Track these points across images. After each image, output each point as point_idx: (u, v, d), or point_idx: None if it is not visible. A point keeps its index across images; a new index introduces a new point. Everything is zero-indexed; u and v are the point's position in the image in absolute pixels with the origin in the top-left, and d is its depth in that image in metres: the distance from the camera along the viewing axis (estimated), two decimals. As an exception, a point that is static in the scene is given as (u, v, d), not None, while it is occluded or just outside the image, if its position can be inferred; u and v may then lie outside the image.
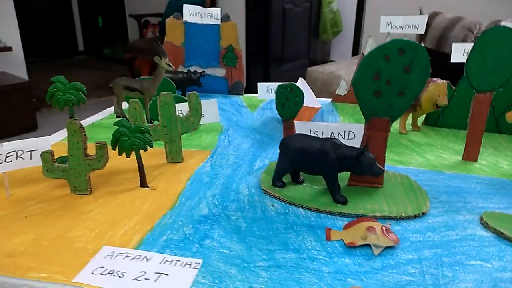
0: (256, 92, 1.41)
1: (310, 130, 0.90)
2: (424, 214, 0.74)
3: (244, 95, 1.61)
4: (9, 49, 3.54)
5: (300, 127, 0.89)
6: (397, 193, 0.80)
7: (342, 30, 4.90)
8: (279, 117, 1.33)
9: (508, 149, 1.06)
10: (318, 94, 2.57)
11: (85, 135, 0.75)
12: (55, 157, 0.80)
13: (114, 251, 0.61)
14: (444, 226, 0.71)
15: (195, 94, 0.92)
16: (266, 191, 0.79)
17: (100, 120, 1.21)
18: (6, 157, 0.76)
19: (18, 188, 0.79)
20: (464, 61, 1.27)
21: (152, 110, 1.17)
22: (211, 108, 1.10)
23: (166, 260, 0.59)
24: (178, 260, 0.59)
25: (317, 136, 0.87)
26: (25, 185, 0.81)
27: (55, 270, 0.58)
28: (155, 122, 1.12)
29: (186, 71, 1.53)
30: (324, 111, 1.40)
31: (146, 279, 0.55)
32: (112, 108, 1.32)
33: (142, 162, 0.80)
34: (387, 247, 0.64)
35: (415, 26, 1.43)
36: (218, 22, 1.54)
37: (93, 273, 0.56)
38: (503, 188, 0.85)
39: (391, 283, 0.57)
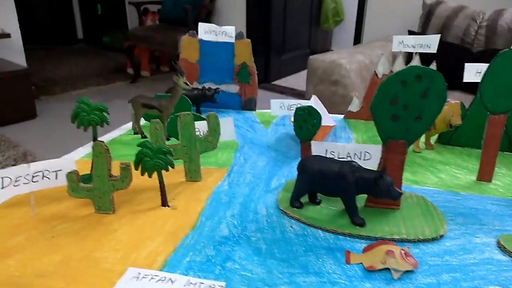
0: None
1: (327, 150, 0.91)
2: (441, 236, 0.75)
3: (257, 111, 1.63)
4: (8, 35, 3.55)
5: (317, 147, 0.90)
6: (414, 215, 0.81)
7: (344, 19, 4.84)
8: (293, 133, 1.36)
9: (523, 169, 1.07)
10: (319, 83, 2.58)
11: (110, 156, 0.77)
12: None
13: (139, 273, 0.62)
14: (462, 249, 0.72)
15: (214, 115, 0.95)
16: (284, 212, 0.81)
17: (119, 137, 1.24)
18: (33, 177, 0.78)
19: (44, 207, 0.82)
20: (477, 80, 1.29)
21: (170, 128, 1.19)
22: (227, 126, 1.12)
23: (190, 283, 0.61)
24: (202, 283, 0.61)
25: (334, 158, 0.89)
26: (50, 204, 0.83)
27: (84, 291, 0.59)
28: (172, 140, 1.15)
29: (201, 88, 1.56)
30: (337, 127, 1.42)
31: (172, 301, 0.57)
32: (129, 125, 1.34)
33: (163, 183, 0.82)
34: (406, 271, 0.65)
35: (427, 45, 1.45)
36: (232, 40, 1.57)
37: (120, 295, 0.58)
38: (519, 210, 0.86)
39: (412, 308, 0.58)
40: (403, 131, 0.76)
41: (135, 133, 1.28)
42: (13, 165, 2.75)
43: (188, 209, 0.82)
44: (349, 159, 0.90)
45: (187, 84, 1.19)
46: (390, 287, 0.62)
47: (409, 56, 1.48)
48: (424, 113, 0.75)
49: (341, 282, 0.63)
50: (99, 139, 0.94)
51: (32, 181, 0.79)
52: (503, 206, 0.88)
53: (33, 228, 0.75)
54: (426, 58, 1.46)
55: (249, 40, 1.58)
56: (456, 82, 1.24)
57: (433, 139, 1.27)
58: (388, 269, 0.65)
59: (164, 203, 0.83)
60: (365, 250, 0.69)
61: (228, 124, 1.13)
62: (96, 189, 0.79)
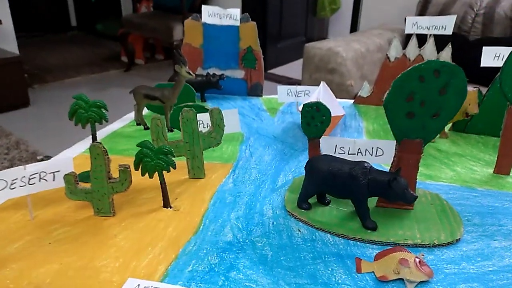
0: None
1: (336, 146, 0.87)
2: (457, 240, 0.71)
3: (264, 97, 1.58)
4: None
5: (325, 143, 0.86)
6: (428, 216, 0.76)
7: (340, 7, 4.75)
8: (300, 122, 1.31)
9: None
10: (315, 71, 2.55)
11: (108, 158, 0.74)
12: (77, 173, 0.79)
13: (139, 284, 0.59)
14: (479, 254, 0.68)
15: (218, 110, 0.90)
16: (292, 214, 0.77)
17: (121, 129, 1.20)
18: (30, 179, 0.75)
19: (41, 210, 0.79)
20: (495, 65, 1.22)
21: (173, 119, 1.15)
22: (232, 118, 1.08)
23: (193, 296, 0.58)
24: (205, 296, 0.58)
25: (344, 154, 0.84)
26: (47, 206, 0.80)
27: (81, 305, 0.57)
28: (176, 131, 1.11)
29: (205, 74, 1.51)
30: (346, 115, 1.36)
31: (173, 317, 0.54)
32: (131, 115, 1.30)
33: (165, 184, 0.78)
34: (421, 281, 0.61)
35: (442, 26, 1.37)
36: (237, 23, 1.50)
37: (119, 310, 0.55)
38: (540, 209, 0.81)
39: (427, 324, 0.55)
40: (419, 129, 0.71)
41: (137, 124, 1.24)
42: (6, 153, 2.73)
43: (191, 211, 0.79)
44: (360, 155, 0.86)
45: (190, 74, 1.14)
46: (404, 301, 0.58)
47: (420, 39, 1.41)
48: (442, 110, 0.69)
49: (352, 294, 0.59)
50: (101, 130, 0.90)
51: (29, 184, 0.75)
52: (523, 204, 0.83)
53: (29, 234, 0.72)
54: (440, 40, 1.39)
55: (254, 23, 1.51)
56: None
57: (447, 127, 1.21)
58: (402, 279, 0.61)
59: (166, 204, 0.80)
60: (377, 257, 0.65)
61: (232, 116, 1.08)
62: (95, 192, 0.76)
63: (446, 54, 1.39)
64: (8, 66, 3.29)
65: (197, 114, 1.00)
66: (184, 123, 0.88)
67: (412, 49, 1.42)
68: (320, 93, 1.30)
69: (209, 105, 1.48)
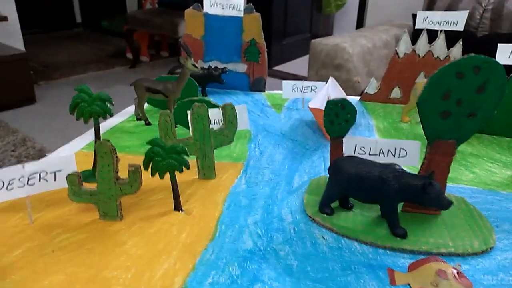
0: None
1: (356, 146, 0.82)
2: (491, 249, 0.67)
3: (267, 92, 1.52)
4: (4, 18, 3.41)
5: (345, 142, 0.81)
6: (457, 222, 0.72)
7: (346, 3, 4.74)
8: (308, 119, 1.26)
9: None
10: (321, 67, 2.51)
11: (116, 157, 0.67)
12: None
13: (156, 299, 0.54)
14: (516, 264, 0.64)
15: (231, 105, 0.84)
16: (313, 219, 0.72)
17: (121, 124, 1.13)
18: (29, 179, 0.69)
19: (42, 212, 0.72)
20: (511, 63, 1.19)
21: (176, 114, 1.09)
22: (241, 115, 1.01)
23: (217, 312, 0.52)
24: (231, 313, 0.52)
25: (365, 154, 0.79)
26: (48, 208, 0.73)
27: (92, 323, 0.51)
28: (179, 127, 1.05)
29: (206, 67, 1.44)
30: (354, 112, 1.31)
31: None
32: (131, 109, 1.24)
33: (177, 185, 0.72)
34: (461, 295, 0.57)
35: (453, 22, 1.33)
36: (241, 14, 1.44)
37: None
38: None
39: None
40: (454, 129, 0.67)
41: (138, 119, 1.17)
42: (13, 150, 2.67)
43: (205, 214, 0.73)
44: (382, 156, 0.81)
45: (195, 67, 1.08)
46: (447, 318, 0.54)
47: (430, 34, 1.37)
48: (479, 109, 0.65)
49: (390, 310, 0.54)
50: (100, 125, 0.84)
51: (28, 184, 0.69)
52: (550, 209, 0.80)
53: (30, 240, 0.65)
54: (449, 36, 1.35)
55: (259, 14, 1.45)
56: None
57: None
58: (440, 292, 0.57)
59: (177, 207, 0.74)
60: (411, 268, 0.61)
61: (241, 112, 1.02)
62: (101, 193, 0.69)
63: (457, 51, 1.35)
64: (14, 63, 3.24)
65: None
66: (195, 119, 0.82)
67: (422, 44, 1.38)
68: (329, 89, 1.25)
69: (211, 99, 1.42)
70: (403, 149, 0.80)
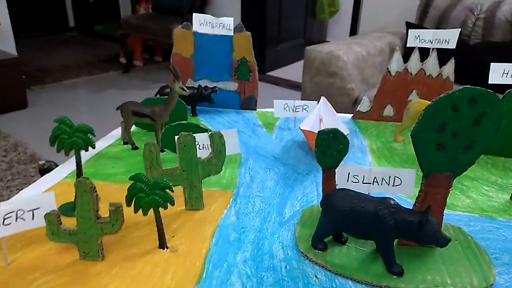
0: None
1: (349, 174, 0.79)
2: (491, 285, 0.64)
3: (258, 110, 1.50)
4: None
5: (338, 170, 0.78)
6: (455, 255, 0.69)
7: (339, 10, 4.78)
8: (300, 140, 1.23)
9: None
10: (316, 74, 2.51)
11: (97, 195, 0.64)
12: (59, 203, 0.69)
13: None
14: (517, 303, 0.62)
15: (219, 134, 0.81)
16: (306, 255, 0.69)
17: (107, 149, 1.10)
18: (4, 219, 0.65)
19: (19, 253, 0.68)
20: (504, 82, 1.17)
21: (164, 139, 1.05)
22: (231, 140, 0.98)
23: None
24: None
25: (359, 183, 0.77)
26: (26, 248, 0.70)
27: None
28: (167, 152, 1.01)
29: (196, 87, 1.41)
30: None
31: None
32: (118, 131, 1.20)
33: (161, 222, 0.69)
34: None
35: (445, 40, 1.31)
36: (231, 33, 1.42)
37: None
38: None
39: None
40: (449, 162, 0.64)
41: (124, 143, 1.14)
42: (4, 156, 2.64)
43: (191, 252, 0.70)
44: (376, 185, 0.78)
45: (184, 90, 1.05)
46: None
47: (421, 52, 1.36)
48: (476, 142, 0.62)
49: None
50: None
51: (3, 224, 0.65)
52: (549, 237, 0.77)
53: (5, 284, 0.61)
54: (441, 54, 1.34)
55: (249, 33, 1.42)
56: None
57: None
58: None
59: (162, 244, 0.70)
60: (408, 311, 0.58)
61: (231, 136, 0.99)
62: (81, 233, 0.66)
63: (449, 69, 1.34)
64: (6, 67, 3.22)
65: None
66: (182, 149, 0.79)
67: (414, 63, 1.36)
68: (321, 110, 1.22)
69: (201, 120, 1.39)
70: (398, 177, 0.78)
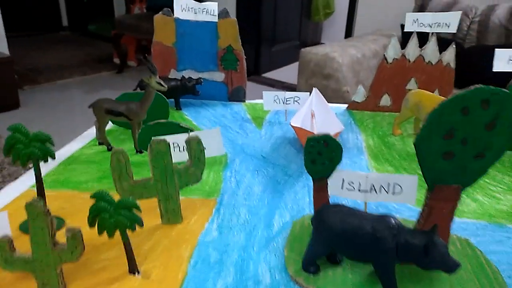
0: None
1: (344, 180, 0.71)
2: (505, 312, 0.57)
3: (247, 102, 1.40)
4: None
5: (334, 177, 0.69)
6: (464, 276, 0.61)
7: (334, 11, 4.79)
8: (291, 137, 1.14)
9: None
10: (311, 76, 2.46)
11: (51, 218, 0.55)
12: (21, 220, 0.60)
13: None
14: (535, 332, 0.54)
15: (197, 140, 0.72)
16: (296, 280, 0.61)
17: (79, 151, 1.00)
18: None
19: (-33, 284, 0.60)
20: (509, 70, 1.08)
21: (142, 139, 0.96)
22: (214, 140, 0.90)
23: None
24: None
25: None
26: (-24, 277, 0.61)
27: None
28: (145, 154, 0.92)
29: (179, 78, 1.32)
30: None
31: None
32: (92, 131, 1.10)
33: (130, 245, 0.60)
34: None
35: (446, 24, 1.22)
36: (215, 19, 1.31)
37: None
38: None
39: None
40: (458, 172, 0.55)
41: (99, 144, 1.05)
42: None
43: (166, 278, 0.61)
44: (373, 193, 0.70)
45: (161, 85, 0.95)
46: None
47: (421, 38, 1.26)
48: (487, 149, 0.54)
49: None
50: (56, 153, 0.71)
51: None
52: None
53: None
54: (439, 42, 1.24)
55: (235, 19, 1.32)
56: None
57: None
58: None
59: (133, 269, 0.62)
60: None
61: (215, 137, 0.90)
62: (37, 261, 0.57)
63: (450, 55, 1.25)
64: None
65: (173, 136, 0.83)
66: (154, 156, 0.70)
67: (412, 48, 1.26)
68: (313, 102, 1.13)
69: (185, 114, 1.29)
70: (398, 185, 0.69)
